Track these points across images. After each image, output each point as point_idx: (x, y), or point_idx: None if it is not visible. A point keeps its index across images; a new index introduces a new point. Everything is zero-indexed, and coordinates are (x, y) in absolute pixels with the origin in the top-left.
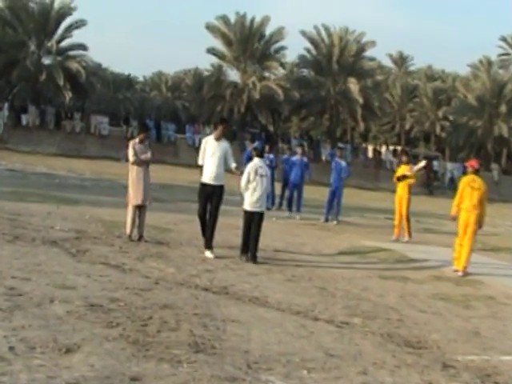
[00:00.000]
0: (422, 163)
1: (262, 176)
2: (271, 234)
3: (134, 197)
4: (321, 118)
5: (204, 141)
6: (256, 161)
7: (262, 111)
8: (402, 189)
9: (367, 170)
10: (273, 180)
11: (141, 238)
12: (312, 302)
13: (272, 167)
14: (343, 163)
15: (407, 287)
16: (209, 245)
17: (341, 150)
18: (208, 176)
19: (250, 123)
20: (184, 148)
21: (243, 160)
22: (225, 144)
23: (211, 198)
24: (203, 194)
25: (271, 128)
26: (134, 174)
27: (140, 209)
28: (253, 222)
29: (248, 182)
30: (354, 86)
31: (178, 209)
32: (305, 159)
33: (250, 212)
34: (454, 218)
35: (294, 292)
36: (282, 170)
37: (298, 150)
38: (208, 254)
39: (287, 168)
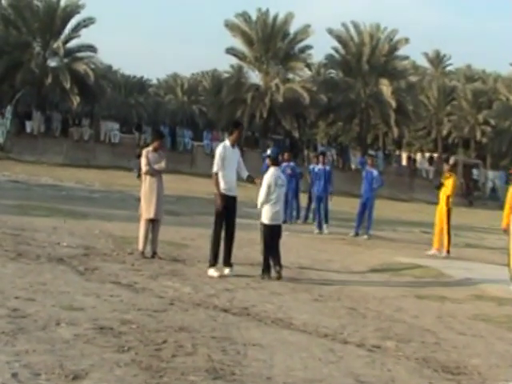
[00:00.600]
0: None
1: (281, 186)
2: (296, 250)
3: (147, 210)
4: (350, 123)
5: (222, 146)
6: (274, 170)
7: (286, 116)
8: (441, 200)
9: (401, 179)
10: (297, 191)
11: (154, 254)
12: (341, 324)
13: (295, 177)
14: (375, 172)
15: (445, 307)
16: (227, 261)
17: (372, 158)
18: (229, 187)
19: (273, 129)
20: (201, 156)
21: (262, 169)
22: (237, 150)
23: (229, 212)
24: (223, 208)
25: (296, 134)
26: (146, 184)
27: (153, 223)
28: (273, 236)
29: (269, 193)
30: (386, 87)
31: (194, 223)
32: (327, 168)
33: (270, 226)
34: (506, 231)
35: (321, 313)
36: (307, 181)
37: (320, 158)
38: (212, 272)
39: (313, 179)
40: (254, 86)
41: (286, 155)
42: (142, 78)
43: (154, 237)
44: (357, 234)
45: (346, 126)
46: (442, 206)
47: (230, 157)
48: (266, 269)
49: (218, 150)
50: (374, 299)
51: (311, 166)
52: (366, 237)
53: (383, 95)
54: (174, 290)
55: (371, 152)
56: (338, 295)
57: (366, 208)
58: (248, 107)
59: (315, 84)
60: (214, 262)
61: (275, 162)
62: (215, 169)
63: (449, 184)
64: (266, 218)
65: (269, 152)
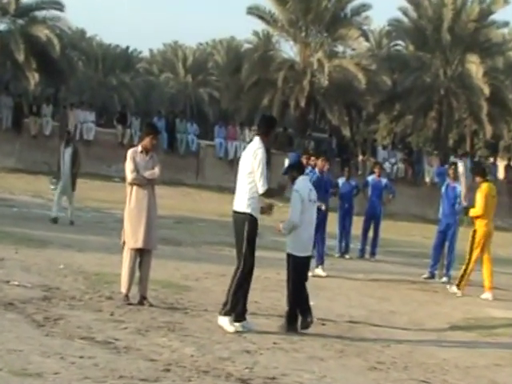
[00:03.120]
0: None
1: (315, 203)
2: (346, 297)
3: (133, 236)
4: (424, 118)
5: (263, 150)
6: (303, 181)
7: (333, 106)
8: None
9: (497, 198)
10: (347, 216)
11: (143, 299)
12: None
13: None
14: (459, 188)
15: None
16: (239, 313)
17: (455, 167)
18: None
19: (314, 124)
20: (211, 161)
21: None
22: None
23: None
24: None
25: (346, 132)
26: (132, 200)
27: (142, 255)
28: (305, 271)
29: (301, 212)
30: (475, 66)
31: (201, 256)
32: (384, 181)
33: (302, 258)
34: None
35: None
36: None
37: (375, 169)
38: (229, 326)
39: (369, 195)
40: (288, 63)
41: (318, 161)
42: (127, 48)
43: (142, 275)
44: (432, 276)
45: (417, 121)
46: None
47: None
48: (293, 318)
49: (262, 155)
50: (457, 369)
51: (369, 178)
52: (445, 280)
53: (471, 78)
54: (171, 351)
55: (454, 159)
56: (405, 362)
57: (445, 238)
58: (279, 92)
59: (375, 61)
60: (241, 317)
61: (300, 171)
62: (266, 184)
63: None
64: (295, 248)
65: (286, 163)
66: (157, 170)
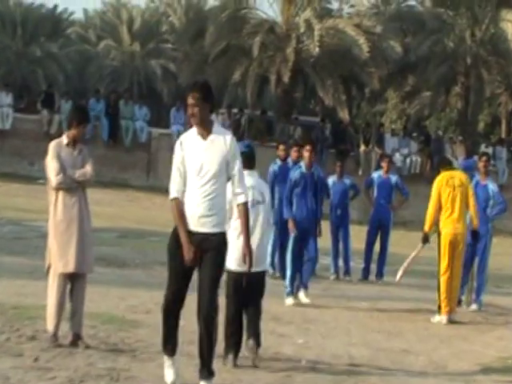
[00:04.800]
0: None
1: (258, 203)
2: (345, 332)
3: (61, 258)
4: (446, 95)
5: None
6: (246, 176)
7: (326, 81)
8: None
9: None
10: (342, 225)
11: (77, 339)
12: None
13: (324, 191)
14: (491, 186)
15: None
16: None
17: (486, 160)
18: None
19: (302, 105)
20: (166, 156)
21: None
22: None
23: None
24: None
25: (344, 115)
26: (59, 210)
27: (74, 281)
28: (241, 291)
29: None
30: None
31: (153, 280)
32: (394, 178)
33: (236, 274)
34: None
35: None
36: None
37: (382, 163)
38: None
39: (374, 197)
40: (266, 25)
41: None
42: (55, 8)
43: (75, 307)
44: (458, 303)
45: (437, 99)
46: None
47: None
48: (232, 346)
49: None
50: None
51: (374, 175)
52: (474, 307)
53: (507, 41)
54: None
55: (485, 149)
56: None
57: (475, 254)
58: (254, 64)
59: (380, 21)
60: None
61: (247, 164)
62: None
63: None
64: (228, 259)
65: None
66: (89, 168)
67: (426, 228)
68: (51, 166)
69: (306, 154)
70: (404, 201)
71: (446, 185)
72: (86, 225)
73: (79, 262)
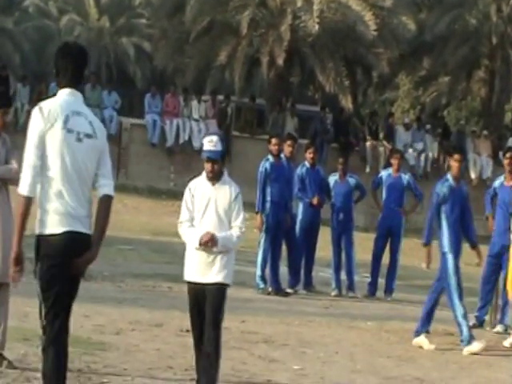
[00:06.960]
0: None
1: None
2: (348, 357)
3: None
4: (467, 80)
5: None
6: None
7: (327, 63)
8: None
9: None
10: (344, 232)
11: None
12: None
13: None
14: None
15: None
16: None
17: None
18: None
19: (299, 91)
20: (140, 150)
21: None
22: None
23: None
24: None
25: (348, 103)
26: None
27: None
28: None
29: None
30: None
31: (125, 296)
32: (406, 178)
33: (190, 284)
34: None
35: None
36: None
37: (393, 160)
38: None
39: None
40: None
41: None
42: None
43: None
44: (481, 324)
45: (456, 85)
46: None
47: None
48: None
49: None
50: None
51: (383, 174)
52: (499, 329)
53: None
54: None
55: None
56: None
57: (500, 267)
58: (243, 43)
59: None
60: None
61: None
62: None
63: None
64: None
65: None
66: (14, 163)
67: None
68: None
69: (309, 155)
70: (417, 204)
71: None
72: (10, 229)
73: (2, 270)
